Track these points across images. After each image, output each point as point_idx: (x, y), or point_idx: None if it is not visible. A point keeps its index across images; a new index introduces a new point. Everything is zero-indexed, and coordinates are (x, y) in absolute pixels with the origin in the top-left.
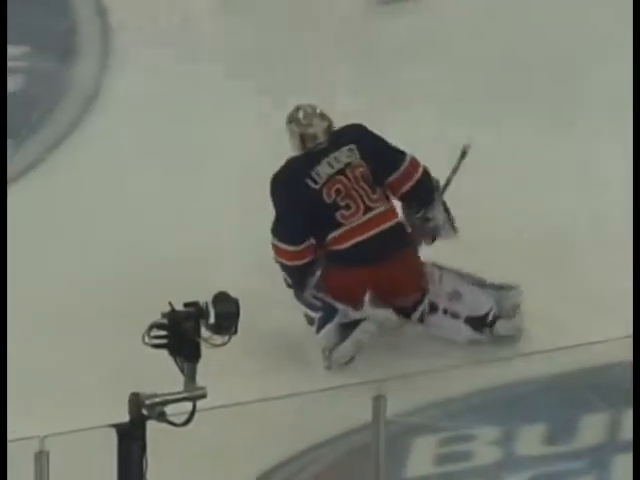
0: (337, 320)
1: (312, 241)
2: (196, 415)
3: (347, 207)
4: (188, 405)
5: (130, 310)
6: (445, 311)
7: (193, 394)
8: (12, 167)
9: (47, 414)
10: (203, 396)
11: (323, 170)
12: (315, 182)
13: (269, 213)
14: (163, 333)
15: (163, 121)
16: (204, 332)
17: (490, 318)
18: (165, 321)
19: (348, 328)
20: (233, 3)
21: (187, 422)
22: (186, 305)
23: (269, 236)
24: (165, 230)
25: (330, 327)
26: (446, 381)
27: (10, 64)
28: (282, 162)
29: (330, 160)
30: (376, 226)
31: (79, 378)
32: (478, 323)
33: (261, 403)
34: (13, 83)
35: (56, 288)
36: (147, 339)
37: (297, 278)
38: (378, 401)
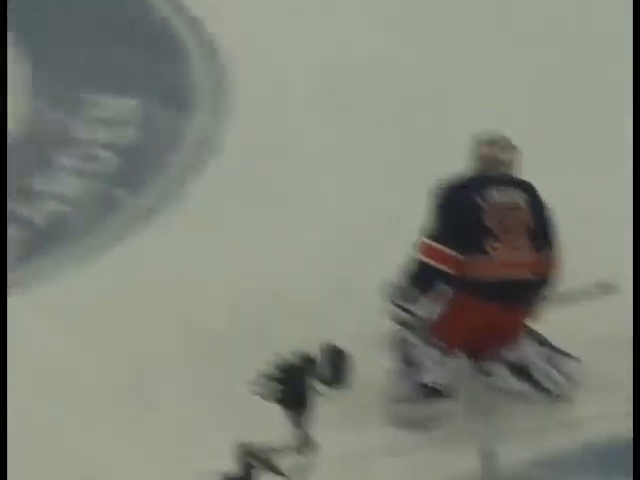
0: (421, 379)
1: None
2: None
3: (499, 240)
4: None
5: (238, 356)
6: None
7: (303, 445)
8: (127, 215)
9: (151, 453)
10: (313, 448)
11: (495, 195)
12: (484, 200)
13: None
14: (274, 384)
15: (274, 169)
16: (315, 384)
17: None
18: (276, 371)
19: (428, 393)
20: None
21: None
22: (295, 356)
23: (375, 290)
24: (272, 279)
25: (412, 384)
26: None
27: (123, 116)
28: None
29: (502, 192)
30: (523, 270)
31: (185, 419)
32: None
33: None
34: (127, 135)
35: (168, 328)
36: (256, 388)
37: (425, 281)
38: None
